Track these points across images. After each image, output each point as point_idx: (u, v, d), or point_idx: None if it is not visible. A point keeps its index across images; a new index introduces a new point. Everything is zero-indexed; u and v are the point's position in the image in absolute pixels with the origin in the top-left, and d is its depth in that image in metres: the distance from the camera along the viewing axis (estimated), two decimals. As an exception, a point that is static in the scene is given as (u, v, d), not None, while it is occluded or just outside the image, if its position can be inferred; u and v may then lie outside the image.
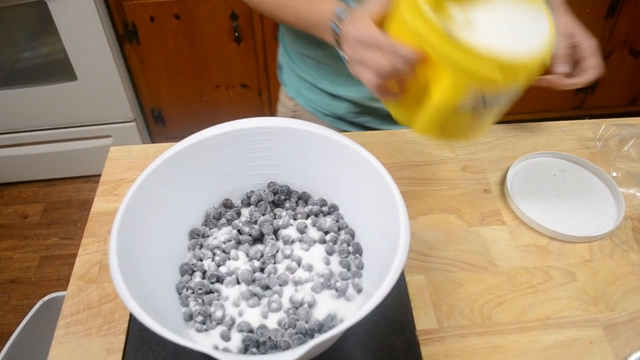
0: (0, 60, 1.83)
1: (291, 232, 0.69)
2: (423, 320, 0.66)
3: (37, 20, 1.71)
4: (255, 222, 0.69)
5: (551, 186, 0.82)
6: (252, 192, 0.72)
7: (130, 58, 1.82)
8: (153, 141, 2.09)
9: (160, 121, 2.00)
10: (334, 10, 0.64)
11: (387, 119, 0.95)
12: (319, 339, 0.49)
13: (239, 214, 0.71)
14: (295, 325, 0.60)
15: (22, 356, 1.11)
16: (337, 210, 0.71)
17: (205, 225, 0.70)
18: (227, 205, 0.72)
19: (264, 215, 0.70)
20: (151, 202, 0.63)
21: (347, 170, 0.68)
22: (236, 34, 1.74)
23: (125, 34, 1.75)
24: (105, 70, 1.78)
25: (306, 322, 0.60)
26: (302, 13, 0.74)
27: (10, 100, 1.85)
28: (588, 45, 0.78)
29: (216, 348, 0.59)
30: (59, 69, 1.80)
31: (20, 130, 1.95)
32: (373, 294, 0.59)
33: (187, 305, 0.63)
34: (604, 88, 2.04)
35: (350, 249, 0.67)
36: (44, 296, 1.77)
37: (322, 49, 0.87)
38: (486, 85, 0.52)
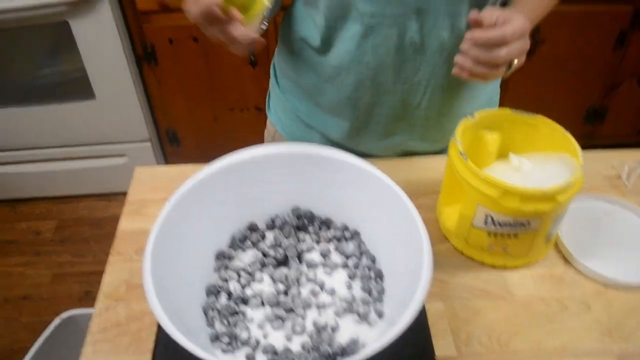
0: (19, 77, 1.87)
1: (314, 256, 0.71)
2: (442, 346, 0.67)
3: (57, 39, 1.75)
4: (280, 246, 0.71)
5: (598, 230, 0.82)
6: (277, 216, 0.75)
7: (147, 79, 1.86)
8: (167, 161, 2.12)
9: (175, 141, 2.04)
10: None
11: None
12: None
13: (263, 237, 0.74)
14: (319, 348, 0.62)
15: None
16: (359, 235, 0.73)
17: (231, 248, 0.73)
18: (252, 228, 0.74)
19: (288, 238, 0.72)
20: (181, 224, 0.65)
21: (369, 196, 0.70)
22: (252, 58, 1.78)
23: (144, 55, 1.79)
24: (123, 90, 1.82)
25: (329, 345, 0.62)
26: None
27: (28, 118, 1.88)
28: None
29: (242, 369, 0.61)
30: (77, 87, 1.83)
31: (36, 147, 1.98)
32: (395, 319, 0.61)
33: (213, 326, 0.65)
34: (613, 118, 2.07)
35: (372, 274, 0.69)
36: (55, 313, 1.79)
37: (312, 74, 0.88)
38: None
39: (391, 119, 0.87)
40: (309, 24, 0.82)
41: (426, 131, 0.91)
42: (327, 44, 0.81)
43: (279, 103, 0.99)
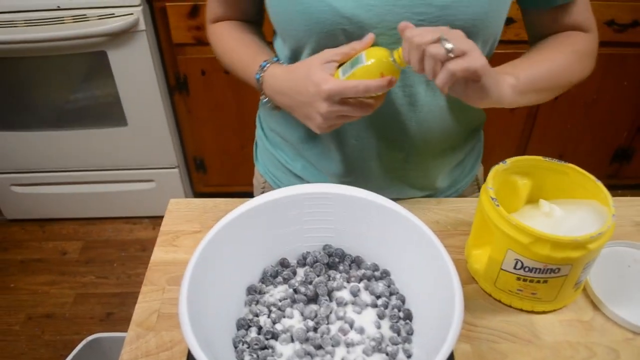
0: (55, 101, 1.93)
1: (344, 294, 0.72)
2: (469, 389, 0.68)
3: (94, 67, 1.81)
4: (311, 283, 0.72)
5: (627, 276, 0.82)
6: (308, 253, 0.76)
7: (178, 107, 1.90)
8: (193, 187, 2.16)
9: (202, 169, 2.07)
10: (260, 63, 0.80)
11: None
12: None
13: (294, 273, 0.75)
14: (347, 386, 0.62)
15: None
16: (389, 275, 0.74)
17: (262, 283, 0.74)
18: (284, 264, 0.76)
19: (318, 276, 0.73)
20: (216, 258, 0.67)
21: (399, 236, 0.71)
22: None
23: (176, 85, 1.84)
24: (155, 117, 1.87)
25: (357, 384, 0.63)
26: (243, 66, 0.84)
27: (61, 141, 1.94)
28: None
29: (271, 404, 0.62)
30: (110, 113, 1.89)
31: (67, 170, 2.04)
32: (423, 360, 0.62)
33: (243, 359, 0.66)
34: (639, 158, 2.06)
35: (401, 314, 0.69)
36: (77, 333, 1.82)
37: (293, 129, 0.90)
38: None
39: (379, 173, 0.88)
40: None
41: (415, 181, 0.92)
42: None
43: (267, 156, 1.00)
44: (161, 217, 0.91)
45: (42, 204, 2.15)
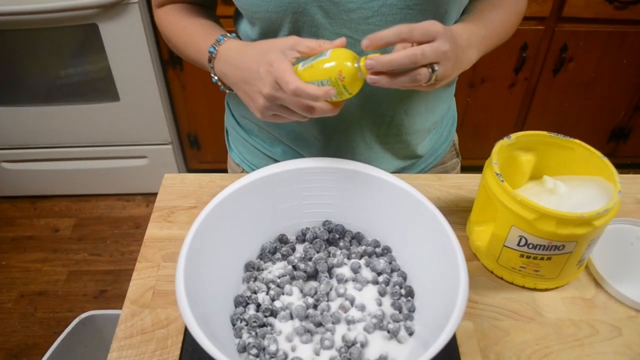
0: (45, 76, 1.89)
1: (345, 271, 0.70)
2: (471, 366, 0.67)
3: (85, 40, 1.77)
4: (310, 259, 0.71)
5: (630, 254, 0.81)
6: (308, 229, 0.75)
7: (172, 83, 1.87)
8: (187, 164, 2.13)
9: (196, 145, 2.05)
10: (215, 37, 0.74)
11: None
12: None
13: (293, 250, 0.73)
14: (348, 364, 0.61)
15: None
16: (390, 252, 0.73)
17: (260, 259, 0.72)
18: (283, 240, 0.74)
19: (318, 252, 0.72)
20: (213, 234, 0.65)
21: (402, 212, 0.70)
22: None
23: (169, 59, 1.80)
24: (147, 93, 1.83)
25: (358, 361, 0.61)
26: (196, 43, 0.78)
27: (52, 116, 1.91)
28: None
29: (271, 382, 0.61)
30: (102, 88, 1.85)
31: (58, 146, 2.00)
32: (426, 337, 0.61)
33: (241, 337, 0.65)
34: (636, 137, 2.05)
35: (403, 291, 0.68)
36: (70, 311, 1.81)
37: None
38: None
39: (362, 147, 0.86)
40: None
41: (397, 151, 0.90)
42: None
43: (242, 144, 0.96)
44: (154, 194, 0.89)
45: (33, 181, 2.12)
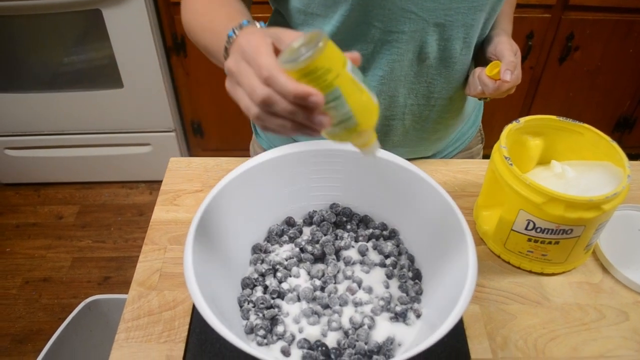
0: (48, 62, 1.88)
1: (352, 253, 0.70)
2: (478, 349, 0.67)
3: (88, 26, 1.76)
4: (317, 242, 0.71)
5: (638, 240, 0.81)
6: (315, 212, 0.74)
7: (175, 70, 1.86)
8: (190, 151, 2.13)
9: (199, 133, 2.04)
10: (239, 21, 0.59)
11: None
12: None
13: (301, 233, 0.73)
14: (355, 345, 0.61)
15: (60, 355, 1.13)
16: (398, 235, 0.73)
17: (268, 242, 0.72)
18: (290, 223, 0.74)
19: (325, 235, 0.72)
20: (221, 215, 0.65)
21: (410, 195, 0.69)
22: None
23: (173, 46, 1.79)
24: (151, 80, 1.83)
25: (365, 343, 0.62)
26: (215, 27, 0.64)
27: (55, 103, 1.90)
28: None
29: (278, 363, 0.61)
30: (106, 75, 1.84)
31: (62, 133, 2.00)
32: (433, 319, 0.61)
33: (248, 319, 0.65)
34: (641, 127, 2.04)
35: (410, 274, 0.68)
36: (74, 297, 1.81)
37: None
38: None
39: (400, 131, 0.86)
40: None
41: (432, 142, 0.90)
42: None
43: None
44: (158, 182, 0.89)
45: (37, 168, 2.12)
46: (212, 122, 2.01)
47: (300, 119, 0.47)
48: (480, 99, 0.80)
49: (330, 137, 0.51)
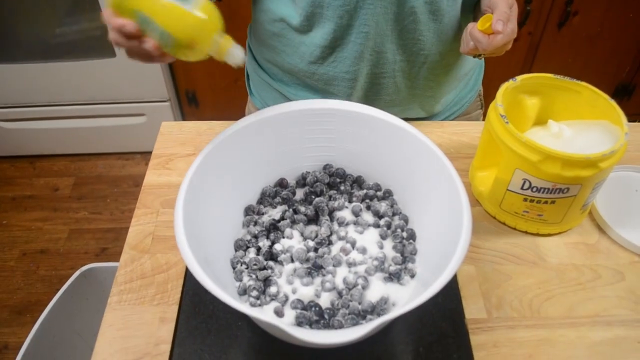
0: (40, 33, 1.85)
1: (346, 214, 0.69)
2: (472, 309, 0.66)
3: (79, -5, 1.73)
4: (311, 203, 0.70)
5: (634, 200, 0.80)
6: (308, 173, 0.73)
7: (169, 38, 1.83)
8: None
9: (194, 102, 2.02)
10: None
11: None
12: (381, 319, 0.49)
13: (294, 194, 0.72)
14: (349, 305, 0.61)
15: (57, 324, 1.13)
16: (392, 195, 0.72)
17: (260, 203, 0.71)
18: (283, 184, 0.73)
19: (319, 196, 0.71)
20: (212, 177, 0.64)
21: (404, 155, 0.68)
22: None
23: (166, 14, 1.76)
24: (144, 48, 1.80)
25: (359, 303, 0.61)
26: None
27: (48, 74, 1.87)
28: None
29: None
30: (98, 45, 1.82)
31: (55, 104, 1.98)
32: (427, 279, 0.60)
33: (241, 280, 0.64)
34: (640, 93, 2.03)
35: (404, 234, 0.67)
36: (71, 268, 1.81)
37: (295, 57, 0.84)
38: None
39: (392, 89, 0.85)
40: (287, 3, 0.77)
41: (424, 100, 0.89)
42: (310, 22, 0.77)
43: (264, 88, 0.93)
44: (153, 153, 0.87)
45: (32, 140, 2.10)
46: (206, 91, 1.99)
47: (136, 45, 0.57)
48: (474, 57, 0.78)
49: (176, 56, 0.59)
